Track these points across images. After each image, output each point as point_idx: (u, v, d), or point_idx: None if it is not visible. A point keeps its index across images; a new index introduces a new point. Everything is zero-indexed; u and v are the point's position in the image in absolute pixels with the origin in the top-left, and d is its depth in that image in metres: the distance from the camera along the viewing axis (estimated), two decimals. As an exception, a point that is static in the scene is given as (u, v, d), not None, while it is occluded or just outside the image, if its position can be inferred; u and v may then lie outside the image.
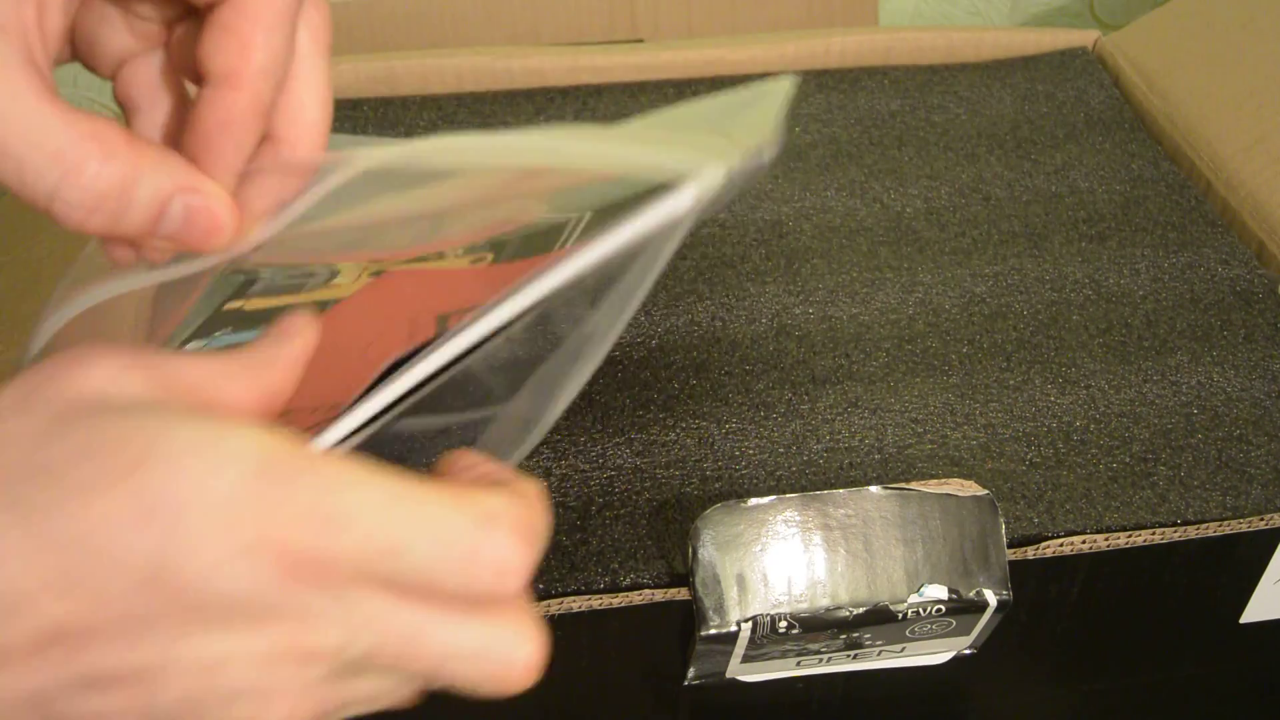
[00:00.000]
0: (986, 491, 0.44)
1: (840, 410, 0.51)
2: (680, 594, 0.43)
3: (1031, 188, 0.62)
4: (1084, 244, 0.59)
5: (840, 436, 0.50)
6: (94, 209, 0.29)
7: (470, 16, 0.78)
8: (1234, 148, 0.62)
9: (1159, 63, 0.68)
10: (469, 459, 0.30)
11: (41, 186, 0.28)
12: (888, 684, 0.49)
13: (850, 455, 0.49)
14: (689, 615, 0.43)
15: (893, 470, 0.48)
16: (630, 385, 0.51)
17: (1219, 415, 0.51)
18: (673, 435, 0.49)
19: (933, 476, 0.47)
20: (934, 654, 0.46)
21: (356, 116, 0.64)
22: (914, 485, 0.44)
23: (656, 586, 0.43)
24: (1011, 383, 0.52)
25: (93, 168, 0.29)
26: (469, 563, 0.25)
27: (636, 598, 0.43)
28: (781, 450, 0.49)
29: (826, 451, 0.49)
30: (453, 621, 0.26)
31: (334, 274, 0.39)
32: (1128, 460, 0.49)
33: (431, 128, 0.64)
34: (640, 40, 0.80)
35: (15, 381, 0.26)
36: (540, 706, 0.47)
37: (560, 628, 0.43)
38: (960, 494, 0.44)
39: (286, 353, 0.31)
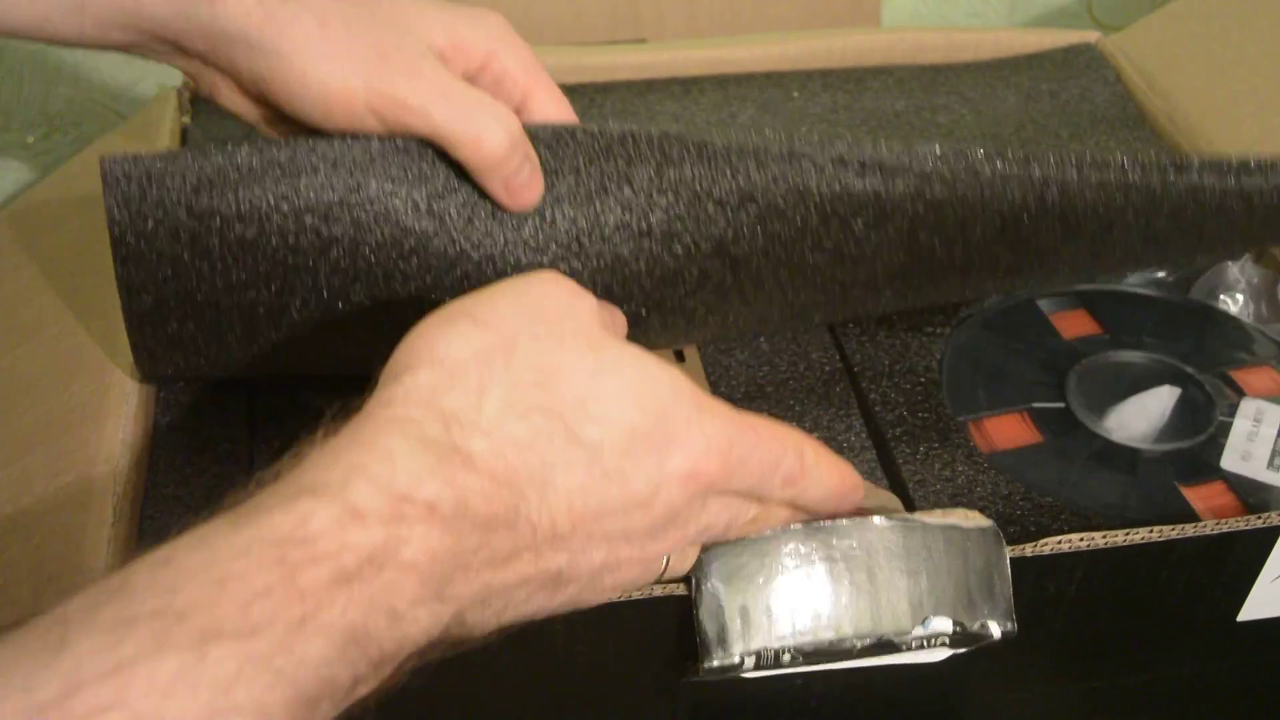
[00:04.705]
0: (991, 523, 0.43)
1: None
2: (679, 589, 0.43)
3: (1033, 188, 0.62)
4: (1084, 244, 0.59)
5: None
6: (515, 145, 0.43)
7: (473, 16, 0.78)
8: (1234, 148, 0.62)
9: (1159, 64, 0.69)
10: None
11: (473, 129, 0.42)
12: (887, 681, 0.49)
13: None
14: (689, 613, 0.43)
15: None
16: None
17: (1217, 414, 0.51)
18: None
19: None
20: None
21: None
22: (917, 516, 0.43)
23: (657, 582, 0.44)
24: (1011, 382, 0.52)
25: (512, 118, 0.43)
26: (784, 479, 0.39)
27: (637, 593, 0.43)
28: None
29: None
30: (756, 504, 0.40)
31: None
32: (1126, 459, 0.49)
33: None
34: (643, 40, 0.80)
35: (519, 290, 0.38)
36: (540, 704, 0.47)
37: (560, 625, 0.43)
38: (964, 525, 0.43)
39: None
